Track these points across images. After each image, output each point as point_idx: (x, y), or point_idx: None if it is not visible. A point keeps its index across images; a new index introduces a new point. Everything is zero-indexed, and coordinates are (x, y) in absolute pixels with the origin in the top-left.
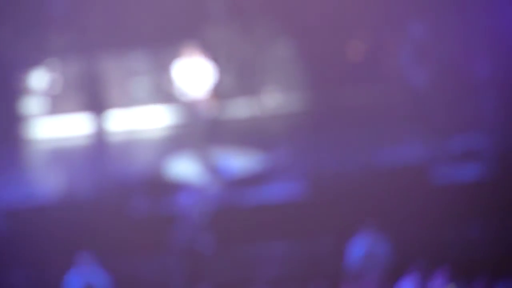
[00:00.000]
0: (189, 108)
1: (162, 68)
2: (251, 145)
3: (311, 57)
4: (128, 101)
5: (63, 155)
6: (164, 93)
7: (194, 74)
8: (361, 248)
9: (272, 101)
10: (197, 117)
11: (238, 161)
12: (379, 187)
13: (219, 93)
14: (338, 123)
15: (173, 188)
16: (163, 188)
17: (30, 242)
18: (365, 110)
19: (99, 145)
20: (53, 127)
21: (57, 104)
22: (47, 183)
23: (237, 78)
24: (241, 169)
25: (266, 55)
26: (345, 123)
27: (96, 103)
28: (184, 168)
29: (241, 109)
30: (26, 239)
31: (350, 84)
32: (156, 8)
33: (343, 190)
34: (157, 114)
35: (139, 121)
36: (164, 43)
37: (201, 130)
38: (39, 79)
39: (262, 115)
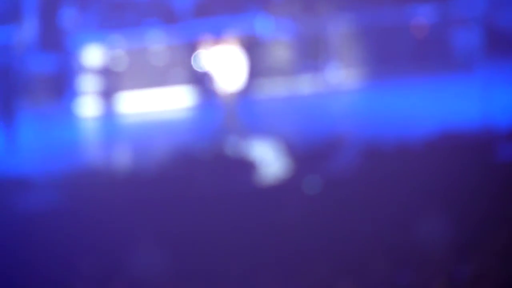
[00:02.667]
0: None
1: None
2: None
3: (376, 32)
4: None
5: (124, 131)
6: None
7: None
8: None
9: (335, 77)
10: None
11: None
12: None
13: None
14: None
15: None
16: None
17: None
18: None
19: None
20: (114, 103)
21: (118, 81)
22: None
23: (300, 55)
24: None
25: (328, 30)
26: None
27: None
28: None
29: (304, 85)
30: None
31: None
32: None
33: (402, 167)
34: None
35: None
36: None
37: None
38: (101, 56)
39: (326, 92)
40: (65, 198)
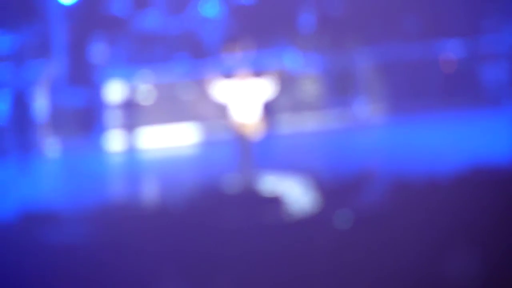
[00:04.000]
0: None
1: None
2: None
3: (405, 66)
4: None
5: (153, 166)
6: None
7: (250, 94)
8: None
9: (364, 112)
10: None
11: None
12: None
13: (309, 106)
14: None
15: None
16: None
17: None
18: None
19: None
20: (143, 138)
21: (147, 116)
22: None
23: (328, 89)
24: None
25: (357, 65)
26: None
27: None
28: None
29: (333, 120)
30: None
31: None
32: (244, 18)
33: (432, 202)
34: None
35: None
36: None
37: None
38: (130, 90)
39: (354, 126)
40: (92, 233)
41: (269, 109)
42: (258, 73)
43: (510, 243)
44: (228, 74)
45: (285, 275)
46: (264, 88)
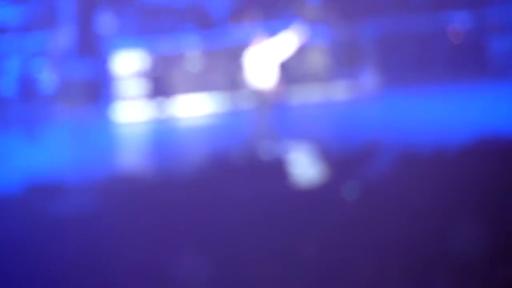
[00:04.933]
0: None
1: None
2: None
3: (412, 38)
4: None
5: (158, 137)
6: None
7: (264, 62)
8: None
9: (371, 83)
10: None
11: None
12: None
13: (316, 77)
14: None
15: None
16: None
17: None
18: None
19: (189, 127)
20: (149, 109)
21: (153, 87)
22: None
23: (335, 61)
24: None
25: (363, 36)
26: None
27: (186, 87)
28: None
29: (340, 92)
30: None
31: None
32: None
33: (439, 173)
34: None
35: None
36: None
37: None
38: (137, 61)
39: (361, 98)
40: (99, 204)
41: (277, 78)
42: (263, 43)
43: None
44: (235, 45)
45: (292, 246)
46: (270, 58)
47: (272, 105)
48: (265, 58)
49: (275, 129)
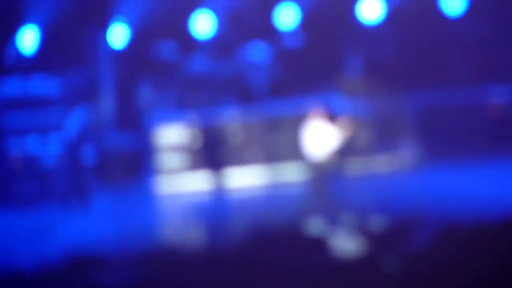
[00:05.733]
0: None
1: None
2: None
3: (452, 111)
4: (265, 158)
5: (202, 210)
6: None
7: (322, 135)
8: None
9: (411, 157)
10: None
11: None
12: None
13: (356, 150)
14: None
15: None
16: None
17: None
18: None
19: (232, 200)
20: (190, 182)
21: (194, 159)
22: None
23: (375, 134)
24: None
25: (404, 109)
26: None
27: (229, 160)
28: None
29: (380, 165)
30: None
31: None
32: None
33: (479, 247)
34: (291, 171)
35: (276, 176)
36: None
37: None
38: (178, 134)
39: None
40: (142, 277)
41: (328, 150)
42: (331, 116)
43: None
44: (280, 117)
45: None
46: (320, 131)
47: (328, 178)
48: (323, 131)
49: (331, 202)
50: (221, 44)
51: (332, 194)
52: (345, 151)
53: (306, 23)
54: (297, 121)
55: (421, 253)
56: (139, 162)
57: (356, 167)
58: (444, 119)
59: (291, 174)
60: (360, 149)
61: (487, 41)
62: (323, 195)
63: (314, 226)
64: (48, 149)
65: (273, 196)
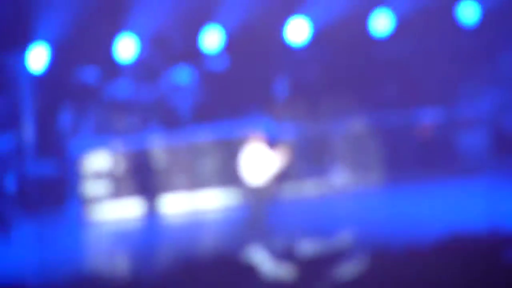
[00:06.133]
0: (252, 192)
1: (228, 150)
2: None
3: (381, 134)
4: (192, 183)
5: (128, 238)
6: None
7: (259, 160)
8: None
9: (341, 180)
10: (260, 201)
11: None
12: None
13: (285, 175)
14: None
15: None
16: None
17: None
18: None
19: (160, 227)
20: (116, 209)
21: (120, 186)
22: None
23: (304, 158)
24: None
25: (333, 133)
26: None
27: (155, 186)
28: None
29: (310, 190)
30: None
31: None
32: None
33: (411, 270)
34: (220, 196)
35: (202, 203)
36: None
37: (262, 213)
38: (102, 160)
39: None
40: None
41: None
42: (269, 141)
43: None
44: (205, 142)
45: None
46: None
47: (267, 203)
48: (262, 156)
49: (266, 228)
50: (144, 67)
51: (267, 220)
52: (279, 176)
53: (232, 45)
54: (224, 146)
55: (352, 278)
56: (63, 190)
57: (287, 191)
58: (374, 141)
59: (217, 199)
60: (290, 173)
61: (413, 63)
62: (260, 222)
63: (249, 253)
64: None
65: (197, 223)
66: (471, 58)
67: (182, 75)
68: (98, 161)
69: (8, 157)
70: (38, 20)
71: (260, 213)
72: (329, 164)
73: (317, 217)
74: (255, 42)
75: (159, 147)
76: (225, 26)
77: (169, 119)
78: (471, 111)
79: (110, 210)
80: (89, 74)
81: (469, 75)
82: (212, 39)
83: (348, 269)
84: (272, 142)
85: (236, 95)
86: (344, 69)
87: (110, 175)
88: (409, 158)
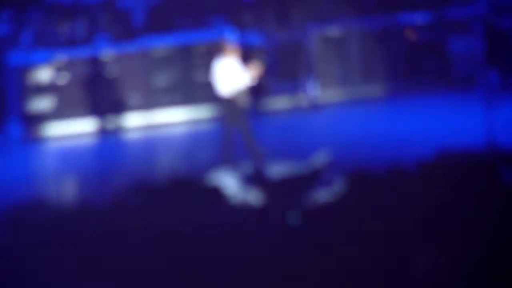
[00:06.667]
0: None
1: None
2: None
3: (363, 40)
4: (150, 98)
5: (77, 158)
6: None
7: (230, 71)
8: None
9: (316, 94)
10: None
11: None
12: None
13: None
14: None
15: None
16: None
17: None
18: None
19: (113, 145)
20: (63, 127)
21: (66, 101)
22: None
23: (275, 70)
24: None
25: (306, 40)
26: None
27: (106, 100)
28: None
29: (282, 105)
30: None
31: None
32: None
33: (396, 192)
34: (180, 111)
35: (160, 118)
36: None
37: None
38: (45, 73)
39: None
40: (9, 235)
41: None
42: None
43: (481, 231)
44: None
45: (232, 276)
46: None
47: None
48: (235, 68)
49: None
50: None
51: (235, 142)
52: (249, 90)
53: None
54: (184, 54)
55: (329, 203)
56: (2, 106)
57: (258, 106)
58: (354, 49)
59: (177, 114)
60: (261, 87)
61: None
62: (228, 141)
63: (213, 174)
64: None
65: (155, 141)
66: None
67: None
68: (41, 74)
69: None
70: None
71: (228, 132)
72: (302, 76)
73: (290, 135)
74: None
75: (109, 57)
76: None
77: (120, 25)
78: (464, 13)
79: (57, 127)
80: None
81: None
82: None
83: (322, 194)
84: (241, 53)
85: (201, 3)
86: None
87: (55, 89)
88: (395, 67)
